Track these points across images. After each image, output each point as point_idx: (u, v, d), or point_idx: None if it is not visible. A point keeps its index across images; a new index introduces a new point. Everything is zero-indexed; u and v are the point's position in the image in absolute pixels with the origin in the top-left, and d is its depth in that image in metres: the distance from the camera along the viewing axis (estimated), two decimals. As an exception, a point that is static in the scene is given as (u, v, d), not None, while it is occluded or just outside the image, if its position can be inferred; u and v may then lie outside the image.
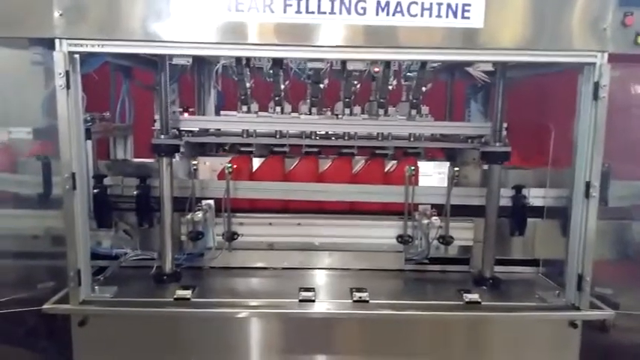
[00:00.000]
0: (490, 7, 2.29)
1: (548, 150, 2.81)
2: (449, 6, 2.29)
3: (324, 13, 2.27)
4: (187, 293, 2.52)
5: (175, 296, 2.51)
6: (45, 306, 2.38)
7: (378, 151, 3.10)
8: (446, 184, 2.86)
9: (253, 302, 2.54)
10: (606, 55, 2.36)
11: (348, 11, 2.27)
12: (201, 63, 3.36)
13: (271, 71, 2.82)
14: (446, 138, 3.11)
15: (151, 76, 3.31)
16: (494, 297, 2.68)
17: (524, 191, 2.92)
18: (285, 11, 2.26)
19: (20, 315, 2.54)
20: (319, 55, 2.40)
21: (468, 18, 2.31)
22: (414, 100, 2.97)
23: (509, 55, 2.40)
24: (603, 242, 2.73)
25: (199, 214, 2.69)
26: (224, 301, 2.54)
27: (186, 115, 3.29)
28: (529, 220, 2.92)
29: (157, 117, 2.69)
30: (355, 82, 2.95)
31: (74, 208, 2.33)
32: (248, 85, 2.93)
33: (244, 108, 2.97)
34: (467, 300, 2.57)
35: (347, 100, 2.94)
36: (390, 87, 2.94)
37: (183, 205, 2.76)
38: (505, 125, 2.77)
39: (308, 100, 2.98)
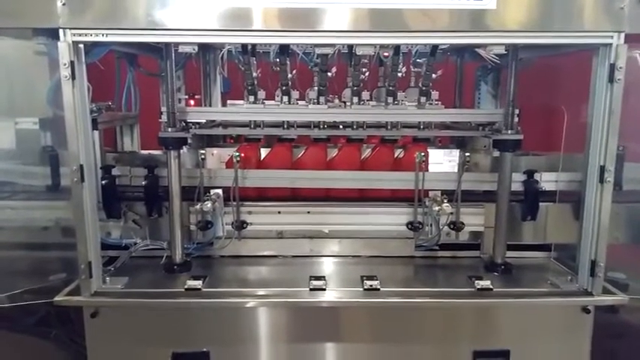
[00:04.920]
0: (502, -13, 2.22)
1: (561, 133, 2.76)
2: (459, -14, 2.22)
3: (331, -4, 2.22)
4: (198, 283, 2.52)
5: (186, 286, 2.51)
6: (57, 298, 2.39)
7: (387, 137, 3.06)
8: (456, 171, 2.81)
9: (264, 292, 2.53)
10: (622, 36, 2.28)
11: (355, -6, 2.22)
12: (207, 49, 3.32)
13: (278, 60, 2.77)
14: (456, 125, 3.06)
15: (155, 63, 3.29)
16: (506, 283, 2.66)
17: (536, 176, 2.87)
18: (291, -5, 2.21)
19: (33, 307, 2.56)
20: (326, 40, 2.34)
21: (480, -1, 2.24)
22: (424, 88, 2.92)
23: (521, 37, 2.33)
24: (617, 225, 2.71)
25: (208, 204, 2.67)
26: (235, 291, 2.54)
27: (192, 102, 3.26)
28: (541, 204, 2.87)
29: (163, 109, 2.66)
30: (364, 70, 2.89)
31: (83, 200, 2.32)
32: (254, 74, 2.88)
33: (251, 98, 2.93)
34: (478, 287, 2.55)
35: (355, 88, 2.89)
36: (400, 74, 2.88)
37: (191, 195, 2.74)
38: (517, 111, 2.71)
39: (315, 88, 2.94)
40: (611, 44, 2.30)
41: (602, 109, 2.37)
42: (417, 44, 2.92)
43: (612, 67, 2.30)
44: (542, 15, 2.28)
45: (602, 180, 2.40)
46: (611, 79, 2.32)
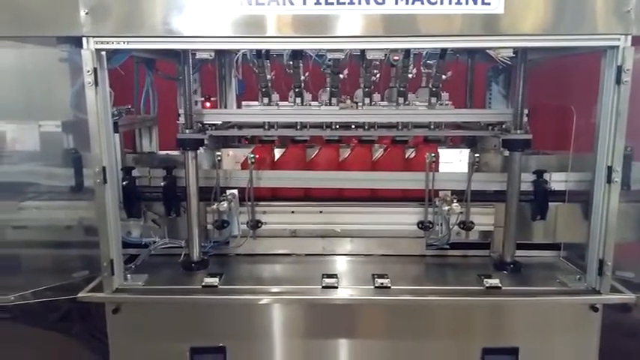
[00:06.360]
0: (511, -7, 2.27)
1: (570, 133, 2.79)
2: (468, -8, 2.28)
3: (344, 3, 2.28)
4: (215, 281, 2.61)
5: (203, 284, 2.59)
6: (80, 295, 2.49)
7: (398, 138, 3.12)
8: (466, 171, 2.87)
9: (278, 289, 2.61)
10: (630, 38, 2.32)
11: (367, 1, 2.28)
12: (222, 53, 3.40)
13: (291, 62, 2.85)
14: (466, 125, 3.11)
15: (173, 66, 3.38)
16: (515, 281, 2.70)
17: (546, 176, 2.91)
18: (304, 3, 2.28)
19: (56, 303, 2.66)
20: (338, 45, 2.42)
21: (489, 4, 2.29)
22: (434, 89, 2.97)
23: (530, 40, 2.38)
24: (625, 225, 2.72)
25: (224, 204, 2.75)
26: (250, 288, 2.62)
27: (208, 104, 3.34)
28: (550, 204, 2.91)
29: (180, 111, 2.75)
30: (375, 72, 2.96)
31: (105, 200, 2.42)
32: (268, 77, 2.96)
33: (265, 100, 3.01)
34: (487, 285, 2.60)
35: (367, 89, 2.95)
36: (410, 75, 2.94)
37: (208, 195, 2.83)
38: (526, 111, 2.75)
39: (327, 89, 3.00)
40: (618, 47, 2.33)
41: (610, 110, 2.41)
42: (427, 48, 2.96)
43: (619, 69, 2.34)
44: (549, 19, 2.32)
45: (609, 180, 2.44)
46: (618, 81, 2.35)
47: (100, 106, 2.34)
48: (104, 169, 2.39)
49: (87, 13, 2.26)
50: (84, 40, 2.28)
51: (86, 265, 2.68)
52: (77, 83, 2.41)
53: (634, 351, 3.11)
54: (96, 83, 2.30)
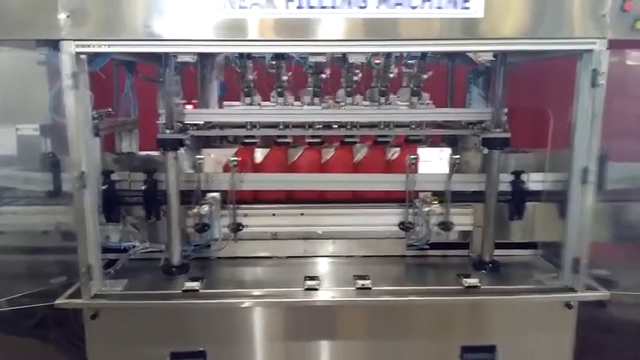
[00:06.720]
0: (490, -3, 2.30)
1: (548, 133, 2.85)
2: (449, -4, 2.31)
3: (326, 7, 2.29)
4: (196, 285, 2.59)
5: (184, 288, 2.57)
6: (58, 301, 2.45)
7: (380, 139, 3.14)
8: (446, 170, 2.91)
9: (260, 292, 2.61)
10: (605, 42, 2.38)
11: (349, 5, 2.29)
12: (204, 55, 3.36)
13: (273, 62, 2.84)
14: (447, 124, 3.15)
15: (153, 68, 3.34)
16: (494, 280, 2.76)
17: (523, 176, 2.96)
18: (287, 7, 2.28)
19: (34, 310, 2.61)
20: (320, 49, 2.42)
21: (468, 8, 2.32)
22: (415, 88, 3.00)
23: (509, 44, 2.43)
24: (601, 224, 2.80)
25: (205, 208, 2.74)
26: (232, 292, 2.61)
27: (189, 106, 3.31)
28: (528, 203, 2.97)
29: (161, 111, 2.72)
30: (357, 71, 2.97)
31: (84, 205, 2.39)
32: (250, 77, 2.94)
33: (247, 100, 2.99)
34: (466, 285, 2.64)
35: (349, 89, 2.96)
36: (391, 75, 2.96)
37: (189, 198, 2.80)
38: (505, 111, 2.81)
39: (310, 89, 3.00)
40: (593, 50, 2.39)
41: (585, 112, 2.46)
42: (408, 52, 2.99)
43: (595, 72, 2.40)
44: (527, 23, 2.37)
45: (584, 181, 2.50)
46: (594, 84, 2.42)
47: (80, 109, 2.30)
48: (83, 173, 2.35)
49: (67, 16, 2.22)
50: (63, 43, 2.24)
51: (64, 270, 2.64)
52: (56, 86, 2.37)
53: (609, 346, 3.20)
54: (75, 87, 2.26)
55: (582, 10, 2.36)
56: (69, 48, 2.25)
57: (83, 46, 2.26)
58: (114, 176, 2.86)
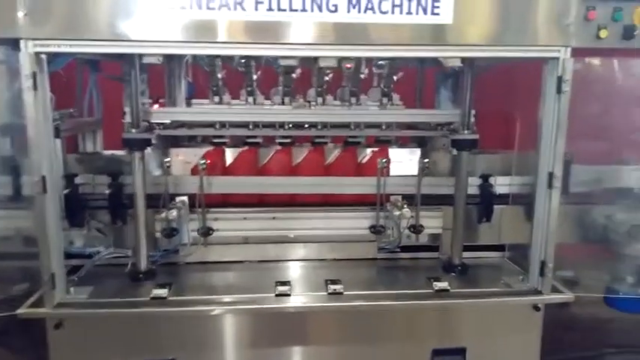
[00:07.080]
0: (459, 3, 2.33)
1: (514, 135, 2.89)
2: (419, 2, 2.31)
3: (296, 10, 2.26)
4: (164, 292, 2.53)
5: (152, 295, 2.51)
6: (19, 310, 2.36)
7: (350, 139, 3.14)
8: (416, 172, 2.93)
9: (230, 299, 2.57)
10: (569, 50, 2.43)
11: (320, 8, 2.27)
12: (171, 55, 3.29)
13: (242, 60, 2.79)
14: (417, 125, 3.16)
15: (118, 66, 3.24)
16: (463, 283, 2.79)
17: (491, 179, 3.01)
18: (256, 9, 2.24)
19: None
20: (290, 52, 2.39)
21: (438, 14, 2.34)
22: (386, 89, 3.00)
23: (476, 50, 2.45)
24: (565, 225, 2.84)
25: (174, 212, 2.68)
26: (201, 299, 2.56)
27: (156, 106, 3.23)
28: (495, 207, 3.01)
29: (126, 109, 2.64)
30: (327, 72, 2.95)
31: (46, 211, 2.30)
32: (220, 76, 2.88)
33: (216, 99, 2.94)
34: (436, 288, 2.66)
35: (319, 89, 2.95)
36: (362, 75, 2.95)
37: (156, 202, 2.74)
38: (473, 112, 2.84)
39: (280, 89, 2.97)
40: (558, 58, 2.44)
41: (551, 117, 2.51)
42: (378, 57, 2.99)
43: (560, 80, 2.45)
44: (494, 30, 2.40)
45: (550, 185, 2.55)
46: (559, 90, 2.47)
47: (40, 111, 2.21)
48: (44, 178, 2.27)
49: (25, 15, 2.12)
50: (22, 42, 2.15)
51: (25, 277, 2.54)
52: (15, 87, 2.27)
53: (572, 342, 3.30)
54: (35, 87, 2.18)
55: (548, 19, 2.41)
56: (27, 48, 2.16)
57: (42, 45, 2.17)
58: (77, 179, 2.77)
